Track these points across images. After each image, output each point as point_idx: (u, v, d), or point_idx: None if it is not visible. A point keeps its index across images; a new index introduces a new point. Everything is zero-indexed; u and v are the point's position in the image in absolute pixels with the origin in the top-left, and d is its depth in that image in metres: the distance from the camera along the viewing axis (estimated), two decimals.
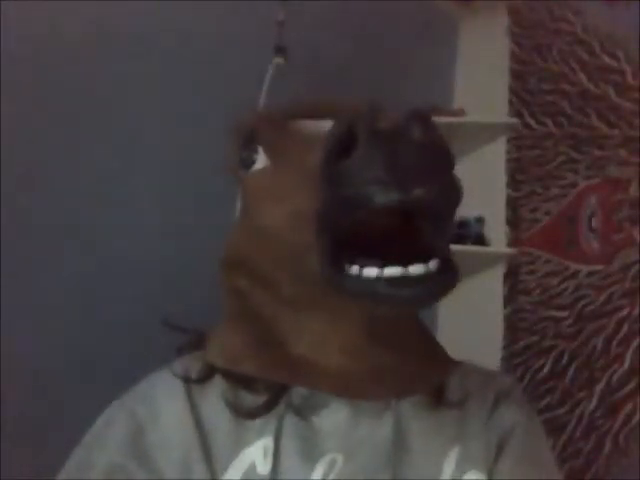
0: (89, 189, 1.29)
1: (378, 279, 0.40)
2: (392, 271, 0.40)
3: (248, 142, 0.50)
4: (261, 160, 0.49)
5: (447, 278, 0.41)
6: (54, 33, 1.27)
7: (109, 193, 1.32)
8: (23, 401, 1.11)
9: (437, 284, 0.40)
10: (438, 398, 0.53)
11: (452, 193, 0.41)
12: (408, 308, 0.45)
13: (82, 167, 1.28)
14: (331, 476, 0.48)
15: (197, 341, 0.55)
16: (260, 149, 0.49)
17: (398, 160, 0.38)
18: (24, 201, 1.20)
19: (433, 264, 0.41)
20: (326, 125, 0.43)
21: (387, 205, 0.38)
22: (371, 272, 0.40)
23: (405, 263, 0.40)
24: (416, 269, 0.40)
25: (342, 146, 0.40)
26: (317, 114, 0.49)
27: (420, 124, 0.39)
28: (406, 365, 0.49)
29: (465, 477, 0.50)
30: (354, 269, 0.41)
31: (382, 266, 0.40)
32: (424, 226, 0.42)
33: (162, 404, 0.51)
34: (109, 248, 1.29)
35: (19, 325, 1.14)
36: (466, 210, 1.77)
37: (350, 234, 0.41)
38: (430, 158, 0.39)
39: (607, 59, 1.63)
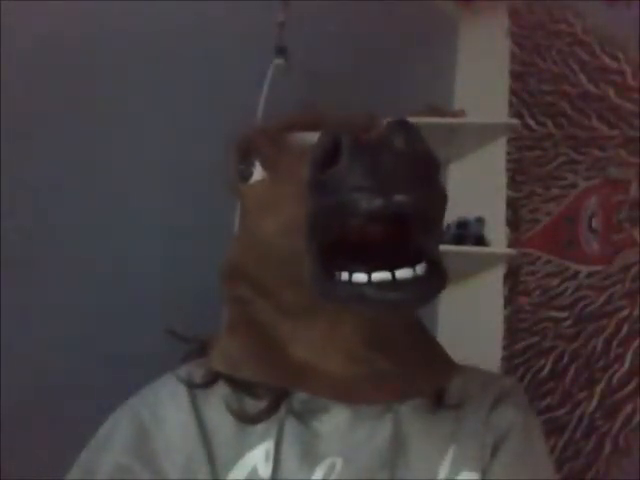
0: (89, 190, 1.29)
1: (367, 284, 0.41)
2: (380, 276, 0.41)
3: (245, 155, 0.52)
4: (258, 173, 0.51)
5: (434, 281, 0.42)
6: (54, 33, 1.27)
7: (109, 194, 1.31)
8: (23, 401, 1.11)
9: (424, 287, 0.42)
10: (438, 401, 0.54)
11: (436, 198, 0.42)
12: (396, 311, 0.46)
13: (82, 167, 1.28)
14: (331, 479, 0.49)
15: (200, 348, 0.55)
16: (257, 162, 0.51)
17: (380, 168, 0.39)
18: (24, 201, 1.20)
19: (420, 268, 0.42)
20: None
21: (370, 211, 0.39)
22: (360, 277, 0.41)
23: (393, 267, 0.41)
24: (403, 273, 0.41)
25: (327, 156, 0.41)
26: (313, 126, 0.50)
27: (402, 133, 0.40)
28: (406, 369, 0.49)
29: (459, 477, 0.50)
30: (344, 275, 0.42)
31: (371, 271, 0.41)
32: (412, 230, 0.43)
33: (166, 408, 0.52)
34: (109, 248, 1.29)
35: (19, 325, 1.14)
36: (466, 211, 1.77)
37: (339, 240, 0.42)
38: (412, 165, 0.40)
39: (607, 60, 1.63)
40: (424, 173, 0.41)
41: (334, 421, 0.51)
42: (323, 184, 0.41)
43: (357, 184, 0.39)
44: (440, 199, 0.42)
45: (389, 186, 0.39)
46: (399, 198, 0.38)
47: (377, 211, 0.39)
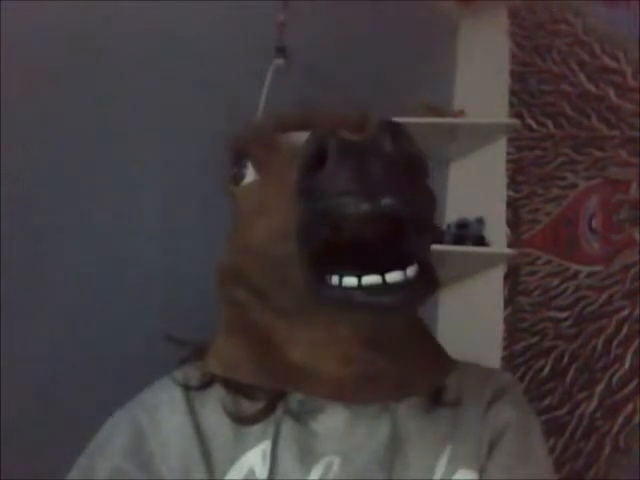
0: (89, 190, 1.29)
1: (357, 288, 0.41)
2: (370, 280, 0.41)
3: (238, 157, 0.51)
4: (250, 174, 0.50)
5: (425, 284, 0.42)
6: (54, 33, 1.27)
7: (109, 194, 1.31)
8: (23, 401, 1.11)
9: (415, 291, 0.42)
10: (435, 399, 0.53)
11: (424, 200, 0.42)
12: (387, 315, 0.46)
13: (82, 167, 1.28)
14: (328, 478, 0.49)
15: (198, 352, 0.55)
16: (249, 164, 0.50)
17: (367, 171, 0.39)
18: (24, 201, 1.20)
19: (411, 271, 0.42)
20: None
21: (358, 216, 0.39)
22: (350, 281, 0.41)
23: (384, 271, 0.41)
24: (394, 277, 0.41)
25: (314, 160, 0.41)
26: (305, 126, 0.50)
27: (390, 135, 0.40)
28: (403, 368, 0.49)
29: (455, 476, 0.50)
30: (334, 279, 0.42)
31: (361, 275, 0.41)
32: (401, 233, 0.43)
33: (163, 411, 0.52)
34: (109, 249, 1.29)
35: (19, 325, 1.14)
36: (466, 211, 1.77)
37: (329, 244, 0.42)
38: (399, 168, 0.40)
39: (607, 60, 1.63)
40: (412, 175, 0.40)
41: (331, 421, 0.51)
42: (310, 190, 0.41)
43: (344, 189, 0.39)
44: (428, 201, 0.42)
45: (376, 190, 0.39)
46: (386, 202, 0.38)
47: (364, 215, 0.39)
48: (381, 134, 0.40)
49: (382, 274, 0.41)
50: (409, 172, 0.40)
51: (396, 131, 0.41)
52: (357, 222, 0.40)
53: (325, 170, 0.40)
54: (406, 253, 0.43)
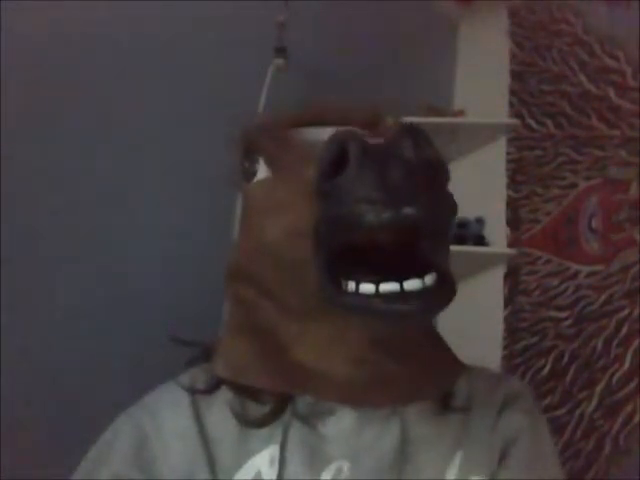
0: (89, 190, 1.29)
1: (374, 295, 0.40)
2: (388, 287, 0.40)
3: (249, 153, 0.50)
4: (262, 171, 0.49)
5: (443, 293, 0.41)
6: (54, 33, 1.27)
7: (109, 194, 1.31)
8: (23, 402, 1.11)
9: (433, 299, 0.41)
10: (445, 404, 0.53)
11: (445, 209, 0.41)
12: (405, 323, 0.45)
13: (82, 167, 1.28)
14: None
15: (204, 353, 0.55)
16: (261, 160, 0.49)
17: (388, 178, 0.38)
18: (24, 203, 1.20)
19: (429, 279, 0.41)
20: (327, 134, 0.43)
21: (378, 224, 0.38)
22: (368, 288, 0.41)
23: (402, 278, 0.40)
24: (412, 284, 0.40)
25: (334, 164, 0.40)
26: (319, 121, 0.49)
27: (411, 140, 0.39)
28: (413, 372, 0.48)
29: None
30: (351, 285, 0.41)
31: (379, 282, 0.40)
32: (420, 240, 0.42)
33: (166, 415, 0.52)
34: (109, 249, 1.29)
35: (19, 325, 1.14)
36: (466, 211, 1.77)
37: (347, 250, 0.42)
38: (421, 175, 0.39)
39: (607, 60, 1.63)
40: (433, 183, 0.40)
41: (340, 424, 0.50)
42: (330, 193, 0.40)
43: (365, 195, 0.38)
44: (449, 209, 0.41)
45: (398, 198, 0.38)
46: (408, 211, 0.38)
47: (385, 224, 0.38)
48: (402, 139, 0.40)
49: (400, 282, 0.40)
50: (430, 179, 0.39)
51: (417, 136, 0.40)
52: (377, 230, 0.40)
53: (346, 174, 0.39)
54: (424, 261, 0.42)
